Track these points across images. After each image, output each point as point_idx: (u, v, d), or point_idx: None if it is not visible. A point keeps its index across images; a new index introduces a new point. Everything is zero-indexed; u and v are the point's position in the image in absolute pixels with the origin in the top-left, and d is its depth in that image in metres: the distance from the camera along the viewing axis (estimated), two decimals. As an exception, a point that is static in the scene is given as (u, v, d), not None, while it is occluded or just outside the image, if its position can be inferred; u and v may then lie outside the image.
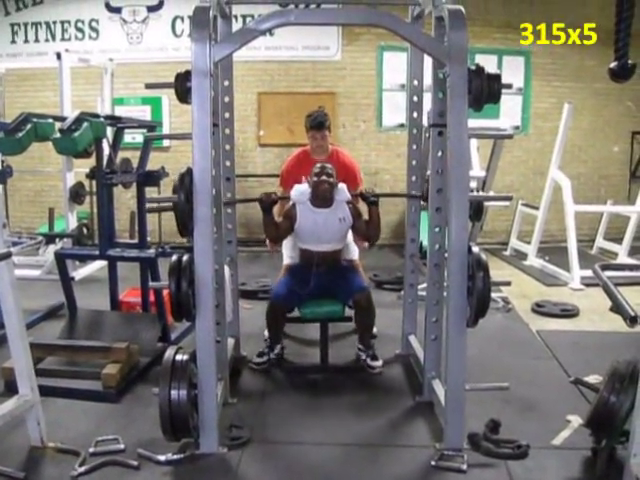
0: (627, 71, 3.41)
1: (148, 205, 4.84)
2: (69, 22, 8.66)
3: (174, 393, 3.02)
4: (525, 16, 8.65)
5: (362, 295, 4.21)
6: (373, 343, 4.51)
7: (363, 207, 4.34)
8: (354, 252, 4.82)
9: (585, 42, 8.56)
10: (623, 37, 3.31)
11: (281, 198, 4.29)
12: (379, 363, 4.37)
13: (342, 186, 4.24)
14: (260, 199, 4.08)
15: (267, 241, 4.79)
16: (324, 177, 4.12)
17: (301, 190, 4.24)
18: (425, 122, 4.31)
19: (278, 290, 4.29)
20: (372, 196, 4.14)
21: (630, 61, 3.38)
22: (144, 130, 5.94)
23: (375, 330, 4.78)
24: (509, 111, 8.71)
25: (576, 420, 3.47)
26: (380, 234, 4.30)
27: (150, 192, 5.04)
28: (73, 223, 6.54)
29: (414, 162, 4.36)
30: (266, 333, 4.76)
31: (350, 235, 4.60)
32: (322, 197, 4.15)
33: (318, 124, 4.70)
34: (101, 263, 6.27)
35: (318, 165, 4.21)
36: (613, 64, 3.42)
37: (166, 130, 8.33)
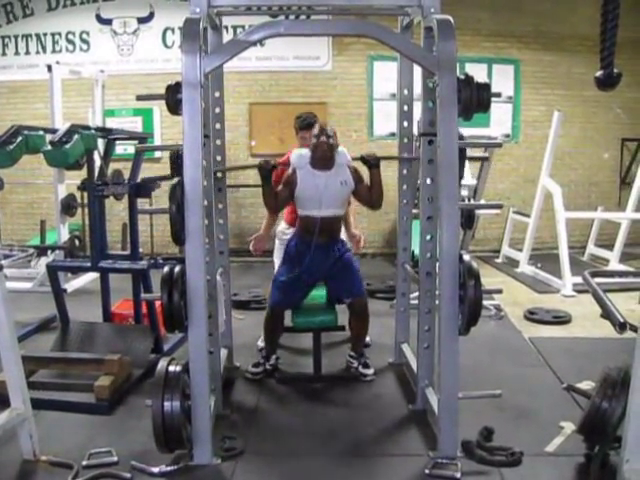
0: (613, 80, 3.42)
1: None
2: (60, 34, 8.67)
3: (167, 404, 3.02)
4: (514, 25, 8.72)
5: (359, 301, 4.25)
6: (364, 351, 4.52)
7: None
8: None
9: (574, 50, 8.65)
10: (609, 46, 3.32)
11: (280, 164, 4.17)
12: (371, 371, 4.38)
13: (342, 149, 4.17)
14: (259, 165, 3.99)
15: (251, 245, 4.75)
16: (324, 137, 4.03)
17: (301, 154, 4.16)
18: (415, 131, 4.33)
19: (275, 295, 4.25)
20: (373, 159, 4.10)
21: (616, 70, 3.39)
22: (135, 141, 5.95)
23: (368, 339, 4.79)
24: (499, 119, 8.76)
25: (569, 427, 3.48)
26: (382, 198, 4.23)
27: (142, 203, 5.04)
28: (65, 235, 6.53)
29: (405, 171, 4.39)
30: (259, 343, 4.77)
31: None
32: (322, 158, 4.05)
33: (308, 124, 4.64)
34: (93, 275, 6.27)
35: (317, 126, 4.15)
36: (599, 73, 3.43)
37: (157, 141, 8.35)
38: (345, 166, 4.13)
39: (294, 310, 4.41)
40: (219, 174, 4.11)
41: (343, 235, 4.57)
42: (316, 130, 4.11)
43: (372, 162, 4.10)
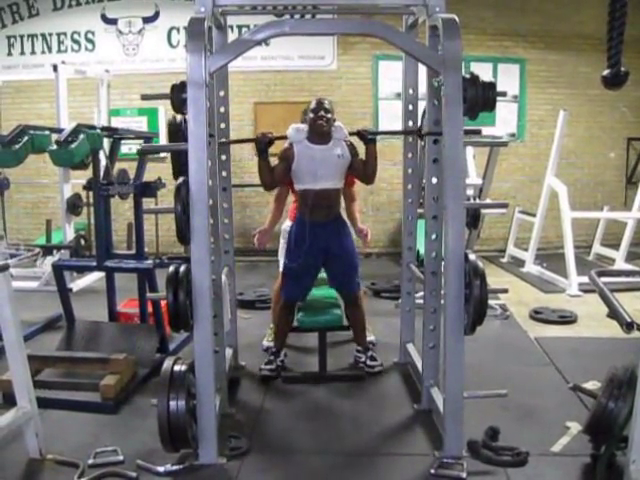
0: (620, 78, 3.41)
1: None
2: (65, 34, 8.68)
3: (173, 404, 3.02)
4: (519, 24, 8.70)
5: (351, 295, 4.36)
6: (371, 347, 4.55)
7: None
8: None
9: (579, 49, 8.63)
10: (616, 44, 3.31)
11: (277, 138, 4.13)
12: (378, 362, 4.41)
13: (339, 124, 4.17)
14: (256, 139, 4.01)
15: (255, 239, 4.75)
16: (322, 112, 4.03)
17: (297, 128, 4.17)
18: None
19: (289, 286, 4.28)
20: (369, 134, 4.09)
21: (623, 68, 3.38)
22: (141, 141, 5.95)
23: (373, 338, 4.80)
24: (505, 118, 8.74)
25: (575, 427, 3.47)
26: (376, 173, 4.21)
27: (147, 203, 5.04)
28: (70, 234, 6.53)
29: (410, 170, 4.38)
30: (264, 343, 4.80)
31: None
32: (320, 132, 4.05)
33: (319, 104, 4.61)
34: (99, 274, 6.29)
35: (315, 100, 4.13)
36: (606, 72, 3.42)
37: (163, 141, 8.33)
38: (342, 140, 4.14)
39: (300, 309, 4.42)
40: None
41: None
42: (313, 104, 4.10)
43: (369, 137, 4.09)
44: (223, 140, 4.07)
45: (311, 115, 4.06)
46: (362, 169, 4.18)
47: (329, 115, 4.06)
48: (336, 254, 4.23)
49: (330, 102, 4.15)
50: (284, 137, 4.17)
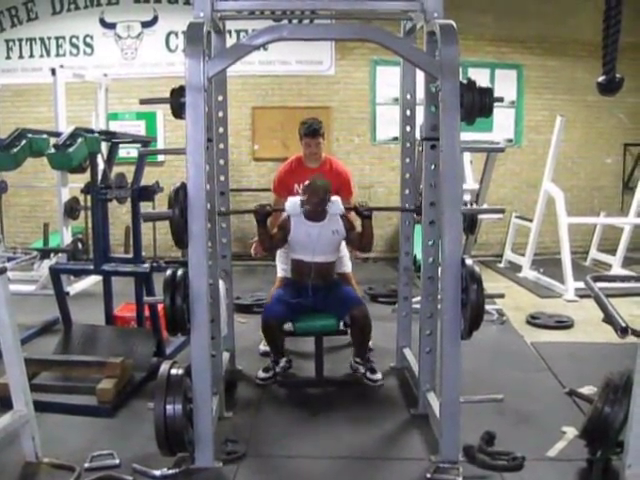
0: (615, 85, 3.43)
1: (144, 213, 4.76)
2: (64, 38, 8.68)
3: (169, 408, 3.02)
4: (517, 30, 8.73)
5: (359, 310, 4.17)
6: (369, 356, 4.51)
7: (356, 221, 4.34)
8: (347, 265, 4.83)
9: (577, 55, 8.66)
10: (611, 51, 3.33)
11: (275, 210, 4.30)
12: (379, 376, 4.36)
13: (335, 199, 4.23)
14: (255, 211, 4.11)
15: (252, 248, 4.79)
16: (316, 194, 4.11)
17: (295, 202, 4.23)
18: (418, 135, 4.33)
19: (270, 307, 4.25)
20: (365, 210, 4.14)
21: (618, 75, 3.40)
22: (139, 145, 5.96)
23: (370, 343, 4.78)
24: (502, 124, 8.76)
25: (571, 431, 3.47)
26: (372, 245, 4.33)
27: (145, 207, 5.05)
28: (68, 238, 6.55)
29: (407, 175, 4.38)
30: (261, 347, 4.79)
31: (344, 247, 4.61)
32: (314, 211, 4.16)
33: (312, 131, 4.65)
34: (96, 278, 6.28)
35: (310, 180, 4.20)
36: (601, 78, 3.43)
37: (160, 145, 8.35)
38: (337, 215, 4.22)
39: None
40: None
41: None
42: (309, 183, 4.18)
43: (365, 213, 4.16)
44: (223, 212, 4.13)
45: (307, 195, 4.15)
46: (358, 241, 4.28)
47: (324, 195, 4.14)
48: (331, 292, 4.28)
49: (326, 182, 4.22)
50: (281, 209, 4.31)
